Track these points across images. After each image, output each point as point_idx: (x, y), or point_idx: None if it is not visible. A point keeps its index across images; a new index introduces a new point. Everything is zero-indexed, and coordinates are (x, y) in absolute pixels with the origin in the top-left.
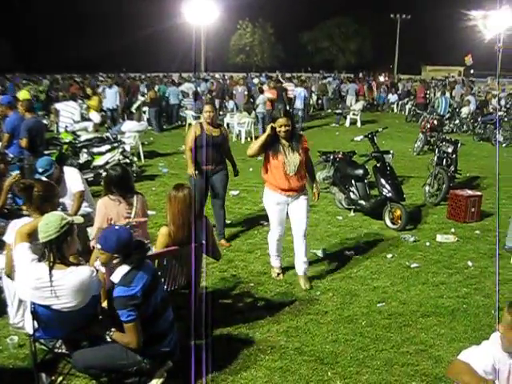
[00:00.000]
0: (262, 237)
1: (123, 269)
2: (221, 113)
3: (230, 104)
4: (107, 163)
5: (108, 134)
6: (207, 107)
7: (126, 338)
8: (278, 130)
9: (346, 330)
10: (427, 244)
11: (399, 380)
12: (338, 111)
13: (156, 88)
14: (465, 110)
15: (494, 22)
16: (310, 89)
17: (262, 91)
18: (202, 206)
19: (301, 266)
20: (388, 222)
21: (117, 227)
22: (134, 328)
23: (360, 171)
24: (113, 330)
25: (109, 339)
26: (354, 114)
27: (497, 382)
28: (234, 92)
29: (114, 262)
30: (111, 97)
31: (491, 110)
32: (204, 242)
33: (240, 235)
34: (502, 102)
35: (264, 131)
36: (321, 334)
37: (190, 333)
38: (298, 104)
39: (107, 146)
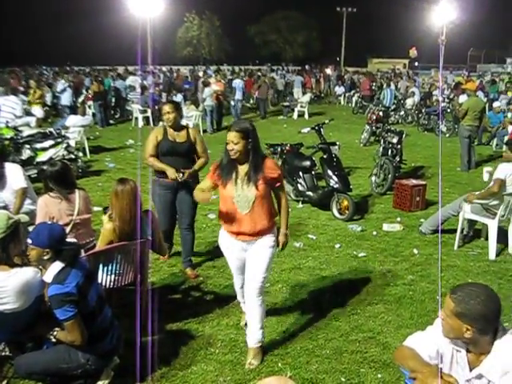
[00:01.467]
0: (210, 230)
1: (56, 266)
2: None
3: (178, 97)
4: (51, 159)
5: (51, 129)
6: (166, 107)
7: (69, 336)
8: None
9: (295, 320)
10: (374, 233)
11: (348, 368)
12: (285, 104)
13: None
14: (409, 102)
15: (437, 16)
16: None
17: (207, 84)
18: (172, 226)
19: (251, 335)
20: (335, 213)
21: (49, 222)
22: (76, 325)
23: (307, 163)
24: (56, 329)
25: (54, 340)
26: (301, 107)
27: (441, 365)
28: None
29: (45, 258)
30: (68, 93)
31: (434, 102)
32: (150, 237)
33: None
34: (445, 93)
35: (212, 125)
36: (270, 325)
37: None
38: (239, 95)
39: (51, 142)
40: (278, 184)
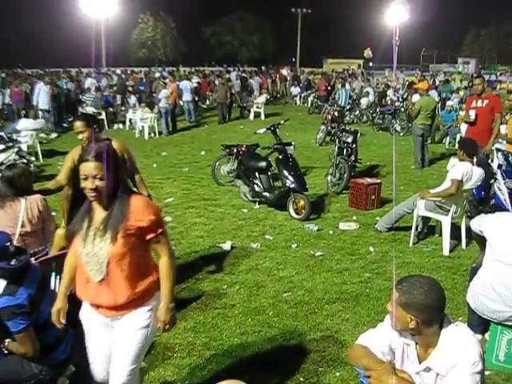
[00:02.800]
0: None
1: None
2: (123, 108)
3: (132, 99)
4: (2, 164)
5: (2, 134)
6: (77, 125)
7: (21, 348)
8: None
9: (253, 321)
10: (331, 232)
11: (307, 367)
12: (241, 105)
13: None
14: (364, 102)
15: (391, 17)
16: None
17: (165, 85)
18: None
19: None
20: (292, 213)
21: None
22: (28, 337)
23: (263, 163)
24: (7, 340)
25: (5, 351)
26: (257, 107)
27: (394, 361)
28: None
29: None
30: (44, 96)
31: (389, 101)
32: None
33: None
34: (400, 93)
35: (167, 127)
36: (229, 327)
37: None
38: (187, 96)
39: (1, 146)
40: (152, 236)
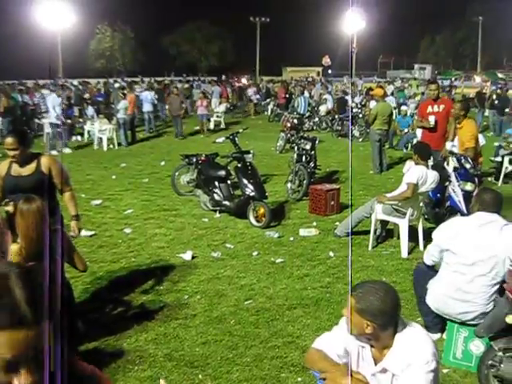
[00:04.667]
0: (126, 245)
1: None
2: (81, 120)
3: (90, 111)
4: None
5: None
6: (8, 141)
7: None
8: None
9: (215, 330)
10: (291, 239)
11: (269, 374)
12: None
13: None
14: (323, 109)
15: (348, 25)
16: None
17: (124, 96)
18: None
19: None
20: (252, 221)
21: None
22: None
23: (222, 172)
24: None
25: None
26: (217, 117)
27: (350, 363)
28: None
29: None
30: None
31: (347, 108)
32: (59, 257)
33: (104, 246)
34: (357, 100)
35: (126, 138)
36: (190, 337)
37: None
38: (148, 107)
39: None
40: None
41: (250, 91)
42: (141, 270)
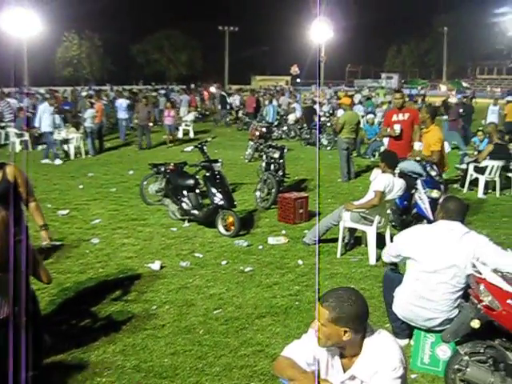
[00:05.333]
0: (94, 255)
1: None
2: None
3: (57, 119)
4: None
5: None
6: None
7: None
8: None
9: (184, 341)
10: (260, 247)
11: (239, 383)
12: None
13: None
14: (291, 117)
15: (316, 34)
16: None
17: (91, 104)
18: None
19: None
20: (221, 230)
21: None
22: None
23: (191, 181)
24: None
25: None
26: (186, 125)
27: (318, 370)
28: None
29: None
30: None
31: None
32: (24, 269)
33: (71, 256)
34: (326, 108)
35: (94, 147)
36: (159, 348)
37: (17, 366)
38: (123, 114)
39: None
40: None
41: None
42: (108, 281)
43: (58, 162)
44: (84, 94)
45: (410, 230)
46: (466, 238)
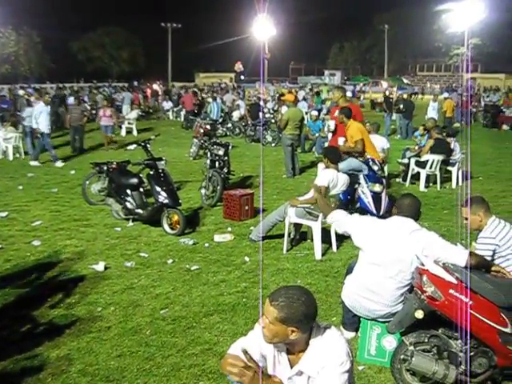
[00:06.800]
0: (35, 258)
1: None
2: None
3: None
4: None
5: None
6: None
7: None
8: None
9: (130, 342)
10: (206, 245)
11: (187, 382)
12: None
13: None
14: (236, 114)
15: (260, 31)
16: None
17: (30, 103)
18: None
19: None
20: (167, 228)
21: None
22: None
23: (134, 180)
24: None
25: None
26: (129, 123)
27: (265, 366)
28: None
29: None
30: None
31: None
32: None
33: (11, 259)
34: (270, 105)
35: (34, 146)
36: (105, 350)
37: None
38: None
39: None
40: None
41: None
42: (51, 284)
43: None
44: (21, 92)
45: (365, 219)
46: (414, 234)
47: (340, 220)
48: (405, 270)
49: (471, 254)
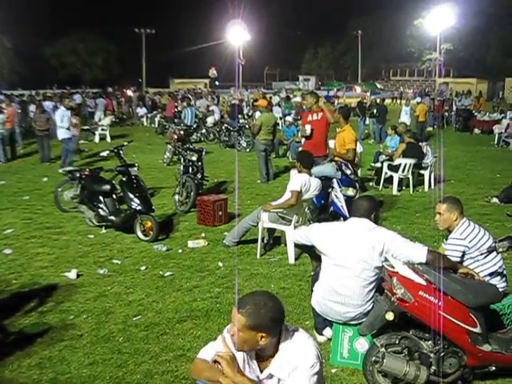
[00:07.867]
0: (6, 267)
1: None
2: None
3: None
4: None
5: None
6: None
7: None
8: None
9: (103, 349)
10: (180, 251)
11: None
12: (85, 127)
13: None
14: (210, 120)
15: (234, 37)
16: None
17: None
18: None
19: None
20: (140, 235)
21: None
22: None
23: (107, 187)
24: None
25: None
26: (102, 130)
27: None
28: None
29: None
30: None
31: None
32: None
33: None
34: (244, 111)
35: (5, 153)
36: (77, 359)
37: None
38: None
39: None
40: None
41: (141, 111)
42: (22, 292)
43: None
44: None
45: (324, 225)
46: (372, 233)
47: (300, 233)
48: (368, 268)
49: (429, 250)
